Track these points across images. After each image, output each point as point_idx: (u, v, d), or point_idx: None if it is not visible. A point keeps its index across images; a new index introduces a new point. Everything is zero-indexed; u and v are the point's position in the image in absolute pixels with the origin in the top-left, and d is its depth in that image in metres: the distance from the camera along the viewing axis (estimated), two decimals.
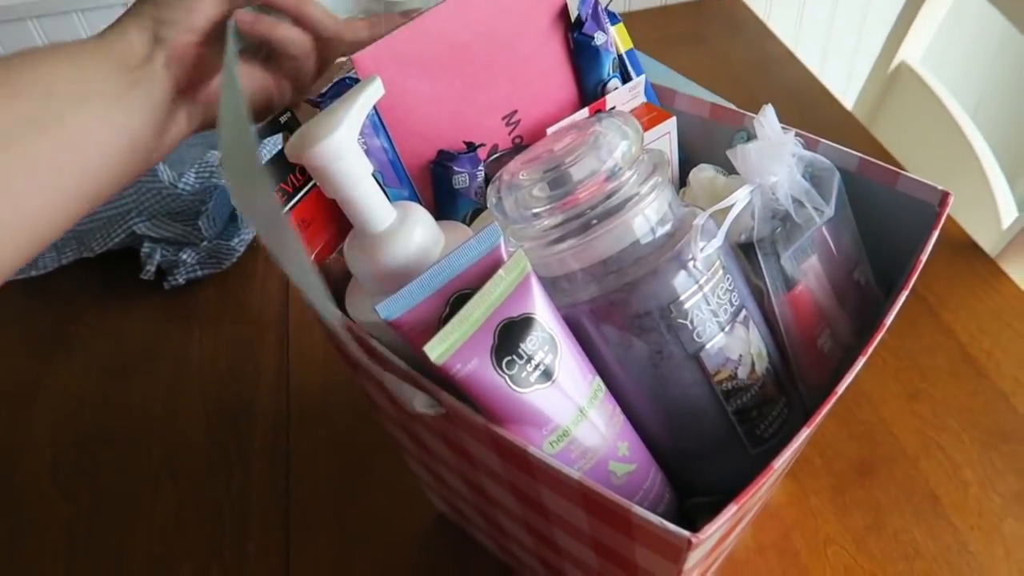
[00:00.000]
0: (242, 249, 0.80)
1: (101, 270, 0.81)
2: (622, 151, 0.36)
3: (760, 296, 0.40)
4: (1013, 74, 1.39)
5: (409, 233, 0.37)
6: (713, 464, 0.39)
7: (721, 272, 0.37)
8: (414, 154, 0.44)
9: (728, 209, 0.38)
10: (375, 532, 0.59)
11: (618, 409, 0.36)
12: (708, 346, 0.36)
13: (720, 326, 0.36)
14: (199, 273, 0.79)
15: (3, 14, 0.98)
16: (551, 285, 0.37)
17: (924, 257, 0.38)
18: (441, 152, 0.44)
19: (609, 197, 0.35)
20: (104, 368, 0.73)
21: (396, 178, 0.44)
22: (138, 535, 0.60)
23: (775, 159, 0.39)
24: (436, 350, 0.32)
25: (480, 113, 0.45)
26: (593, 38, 0.47)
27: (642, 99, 0.49)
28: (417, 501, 0.60)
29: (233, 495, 0.62)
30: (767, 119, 0.41)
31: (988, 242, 0.75)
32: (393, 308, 0.33)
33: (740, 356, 0.37)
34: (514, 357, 0.33)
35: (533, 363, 0.33)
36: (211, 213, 0.78)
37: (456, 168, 0.43)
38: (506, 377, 0.33)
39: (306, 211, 0.41)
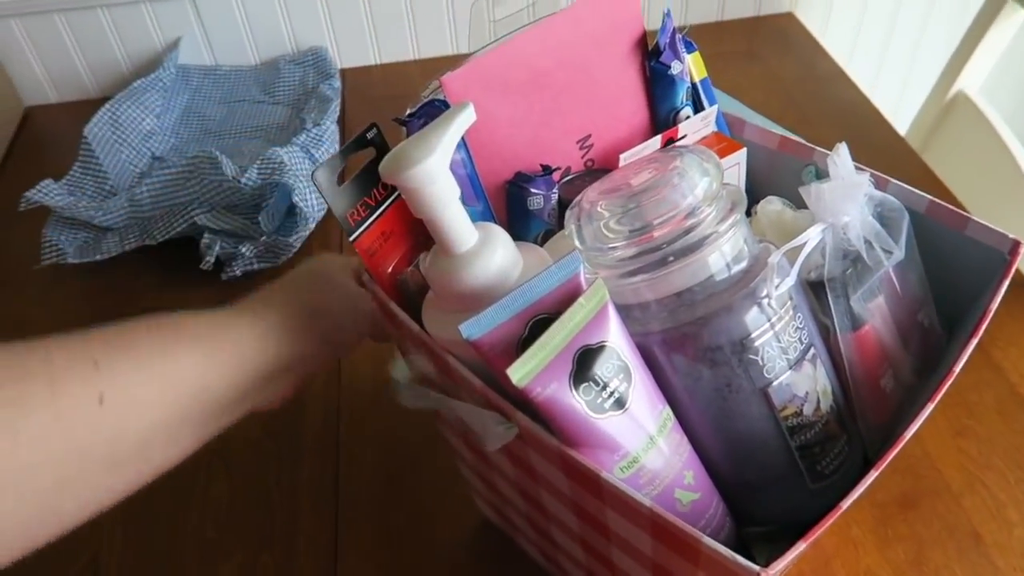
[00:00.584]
0: (298, 245, 0.82)
1: (161, 258, 0.83)
2: (703, 188, 0.37)
3: (826, 333, 0.40)
4: None
5: (491, 255, 0.38)
6: (773, 496, 0.39)
7: (792, 311, 0.37)
8: (491, 172, 0.45)
9: (800, 247, 0.39)
10: (420, 533, 0.60)
11: (685, 438, 0.37)
12: (776, 382, 0.37)
13: (789, 363, 0.37)
14: (256, 266, 0.81)
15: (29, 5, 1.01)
16: (625, 313, 0.38)
17: (994, 306, 0.39)
18: (518, 173, 0.45)
19: (687, 233, 0.36)
20: None
21: (473, 193, 0.45)
22: (191, 519, 0.62)
23: (848, 199, 0.40)
24: (518, 373, 0.33)
25: (556, 136, 0.47)
26: (670, 67, 0.48)
27: (713, 128, 0.50)
28: (464, 504, 0.61)
29: (283, 489, 0.64)
30: (841, 158, 0.41)
31: None
32: (476, 328, 0.34)
33: (806, 393, 0.38)
34: (591, 383, 0.34)
35: (608, 390, 0.34)
36: (271, 209, 0.80)
37: (532, 190, 0.44)
38: (583, 403, 0.34)
39: (387, 224, 0.43)
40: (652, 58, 0.48)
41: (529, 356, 0.33)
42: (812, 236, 0.39)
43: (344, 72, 1.12)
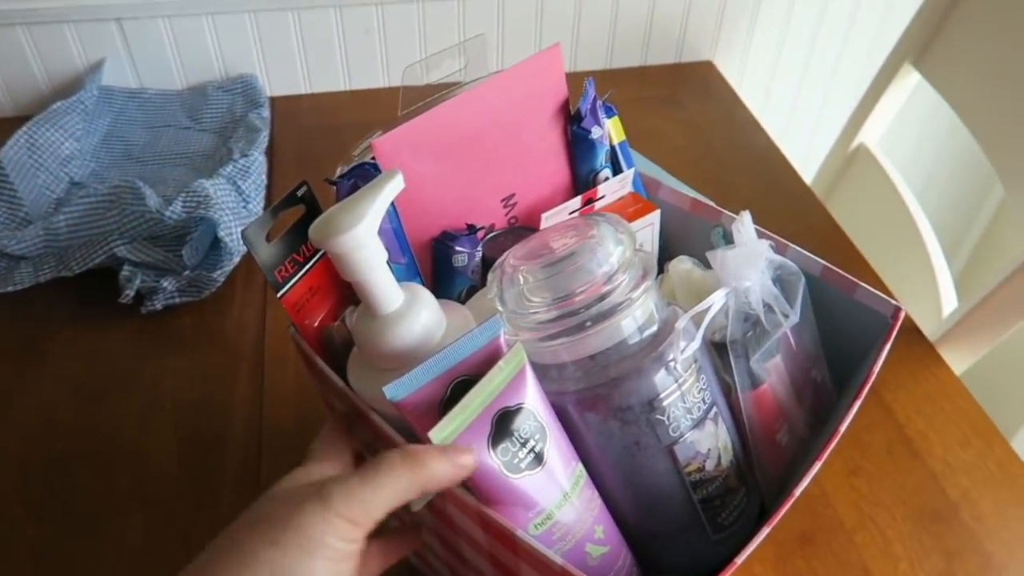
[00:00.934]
0: (222, 280, 0.82)
1: (79, 289, 0.82)
2: (618, 257, 0.39)
3: (728, 391, 0.43)
4: (959, 158, 1.48)
5: (416, 317, 0.40)
6: (678, 546, 0.42)
7: (696, 372, 0.40)
8: (418, 228, 0.47)
9: (705, 311, 0.42)
10: None
11: (596, 493, 0.40)
12: (681, 441, 0.39)
13: (693, 422, 0.40)
14: (177, 300, 0.80)
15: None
16: (542, 373, 0.40)
17: (877, 367, 0.43)
18: (444, 232, 0.47)
19: (603, 300, 0.38)
20: (76, 388, 0.74)
21: (398, 248, 0.47)
22: (106, 560, 0.61)
23: (750, 265, 0.43)
24: (440, 434, 0.35)
25: (482, 195, 0.49)
26: (590, 132, 0.50)
27: (630, 189, 0.53)
28: None
29: (203, 526, 0.63)
30: (744, 226, 0.45)
31: (928, 326, 0.81)
32: (399, 390, 0.36)
33: (708, 450, 0.40)
34: (508, 444, 0.36)
35: (525, 450, 0.36)
36: (195, 243, 0.79)
37: (457, 248, 0.46)
38: (500, 463, 0.36)
39: (314, 279, 0.44)
40: (574, 123, 0.51)
41: (450, 419, 0.35)
42: (716, 300, 0.42)
43: (274, 100, 1.12)
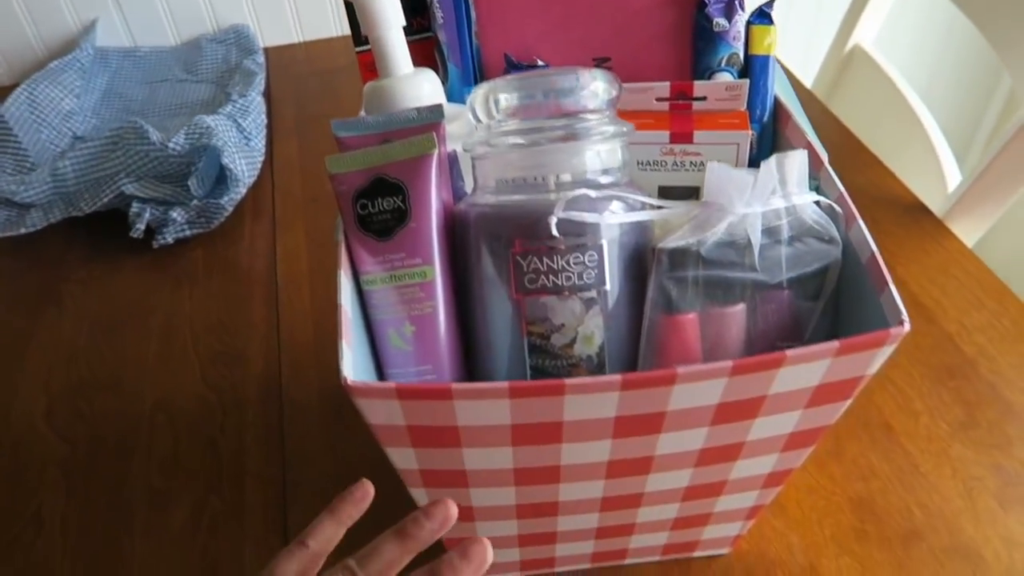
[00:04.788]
0: (231, 208, 0.82)
1: (89, 229, 0.83)
2: (593, 90, 0.39)
3: (667, 305, 0.39)
4: (960, 57, 1.46)
5: (419, 85, 0.44)
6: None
7: (588, 250, 0.37)
8: (492, 47, 0.48)
9: (692, 220, 0.38)
10: (367, 462, 0.61)
11: (436, 303, 0.39)
12: (530, 298, 0.38)
13: (557, 288, 0.38)
14: (188, 232, 0.81)
15: None
16: (478, 186, 0.41)
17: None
18: (507, 57, 0.47)
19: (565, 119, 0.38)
20: (95, 322, 0.75)
21: (458, 52, 0.48)
22: (136, 471, 0.62)
23: (749, 197, 0.38)
24: (332, 163, 0.39)
25: (569, 42, 0.48)
26: (712, 23, 0.46)
27: (742, 106, 0.47)
28: None
29: (228, 434, 0.64)
30: (787, 163, 0.38)
31: (936, 204, 0.81)
32: (344, 127, 0.40)
33: (562, 325, 0.38)
34: (370, 201, 0.39)
35: (384, 214, 0.40)
36: (200, 173, 0.80)
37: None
38: (357, 212, 0.39)
39: None
40: (700, 8, 0.47)
41: (345, 157, 0.39)
42: (693, 215, 0.38)
43: (267, 51, 1.12)
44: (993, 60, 0.86)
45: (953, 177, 0.88)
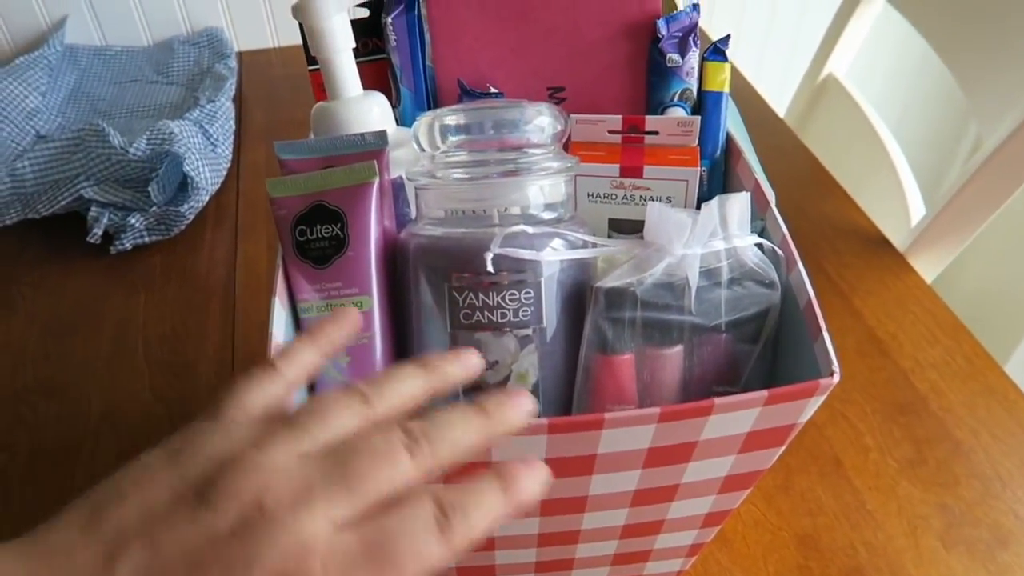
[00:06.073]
0: (191, 216, 0.81)
1: (45, 232, 0.81)
2: (538, 124, 0.39)
3: (603, 345, 0.38)
4: (933, 92, 1.48)
5: (369, 109, 0.44)
6: None
7: (525, 287, 0.37)
8: (446, 72, 0.48)
9: (631, 259, 0.38)
10: None
11: (374, 332, 0.39)
12: (465, 332, 0.38)
13: (492, 324, 0.37)
14: (147, 239, 0.80)
15: None
16: (420, 216, 0.41)
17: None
18: (460, 83, 0.47)
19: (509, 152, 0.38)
20: (45, 326, 0.74)
21: (411, 75, 0.48)
22: (78, 482, 0.61)
23: (689, 239, 0.38)
24: (273, 186, 0.39)
25: (523, 70, 0.48)
26: (666, 59, 0.46)
27: (693, 142, 0.47)
28: None
29: None
30: (730, 204, 0.38)
31: (898, 237, 0.81)
32: (286, 149, 0.40)
33: (496, 362, 0.38)
34: (308, 229, 0.39)
35: (322, 241, 0.39)
36: (162, 180, 0.79)
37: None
38: (295, 238, 0.39)
39: None
40: (653, 43, 0.47)
41: (284, 181, 0.39)
42: (636, 254, 0.38)
43: (241, 55, 1.11)
44: (963, 101, 0.87)
45: (917, 212, 0.89)
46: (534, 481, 0.27)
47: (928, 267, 0.80)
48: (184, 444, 0.26)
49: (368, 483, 0.24)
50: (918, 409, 0.66)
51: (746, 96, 1.04)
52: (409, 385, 0.29)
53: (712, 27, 1.24)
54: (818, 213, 0.85)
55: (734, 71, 1.09)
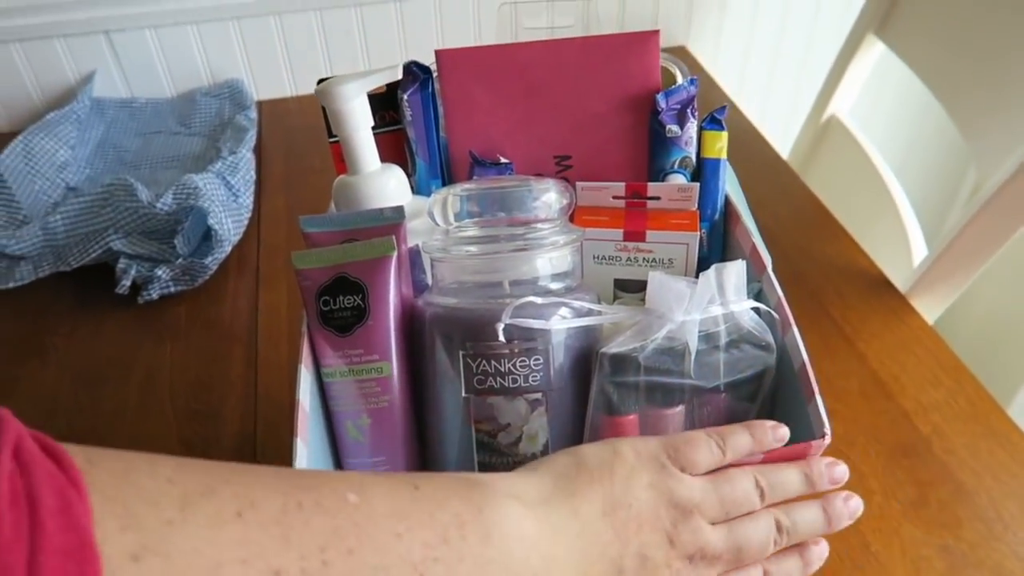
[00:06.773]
0: (214, 267, 0.85)
1: (76, 284, 0.85)
2: (546, 201, 0.42)
3: (607, 406, 0.41)
4: (935, 134, 1.50)
5: (386, 182, 0.47)
6: None
7: (535, 354, 0.40)
8: (459, 143, 0.51)
9: (634, 326, 0.40)
10: None
11: (393, 396, 0.42)
12: (479, 397, 0.40)
13: (504, 389, 0.40)
14: (172, 289, 0.83)
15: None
16: (436, 285, 0.43)
17: None
18: (471, 154, 0.50)
19: (522, 227, 0.41)
20: (77, 375, 0.77)
21: (426, 148, 0.51)
22: None
23: (689, 306, 0.40)
24: (301, 261, 0.41)
25: (532, 140, 0.51)
26: (666, 129, 0.49)
27: (693, 206, 0.50)
28: None
29: None
30: (726, 272, 0.40)
31: (901, 279, 0.83)
32: (311, 223, 0.42)
33: (508, 424, 0.40)
34: (332, 300, 0.41)
35: (345, 311, 0.41)
36: (187, 232, 0.82)
37: (478, 174, 0.49)
38: (320, 308, 0.41)
39: None
40: (653, 113, 0.50)
41: (310, 254, 0.42)
42: (636, 320, 0.40)
43: (260, 104, 1.15)
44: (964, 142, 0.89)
45: (920, 253, 0.91)
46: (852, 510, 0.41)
47: (930, 308, 0.81)
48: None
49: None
50: (921, 451, 0.67)
51: (750, 138, 1.07)
52: (745, 442, 0.37)
53: (717, 69, 1.27)
54: (821, 255, 0.87)
55: (738, 113, 1.12)
